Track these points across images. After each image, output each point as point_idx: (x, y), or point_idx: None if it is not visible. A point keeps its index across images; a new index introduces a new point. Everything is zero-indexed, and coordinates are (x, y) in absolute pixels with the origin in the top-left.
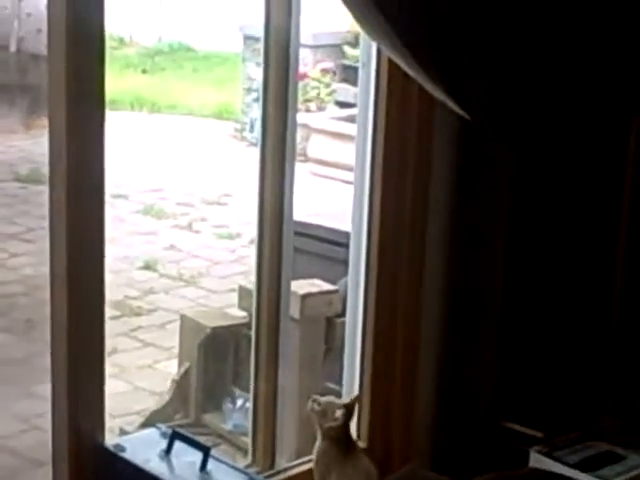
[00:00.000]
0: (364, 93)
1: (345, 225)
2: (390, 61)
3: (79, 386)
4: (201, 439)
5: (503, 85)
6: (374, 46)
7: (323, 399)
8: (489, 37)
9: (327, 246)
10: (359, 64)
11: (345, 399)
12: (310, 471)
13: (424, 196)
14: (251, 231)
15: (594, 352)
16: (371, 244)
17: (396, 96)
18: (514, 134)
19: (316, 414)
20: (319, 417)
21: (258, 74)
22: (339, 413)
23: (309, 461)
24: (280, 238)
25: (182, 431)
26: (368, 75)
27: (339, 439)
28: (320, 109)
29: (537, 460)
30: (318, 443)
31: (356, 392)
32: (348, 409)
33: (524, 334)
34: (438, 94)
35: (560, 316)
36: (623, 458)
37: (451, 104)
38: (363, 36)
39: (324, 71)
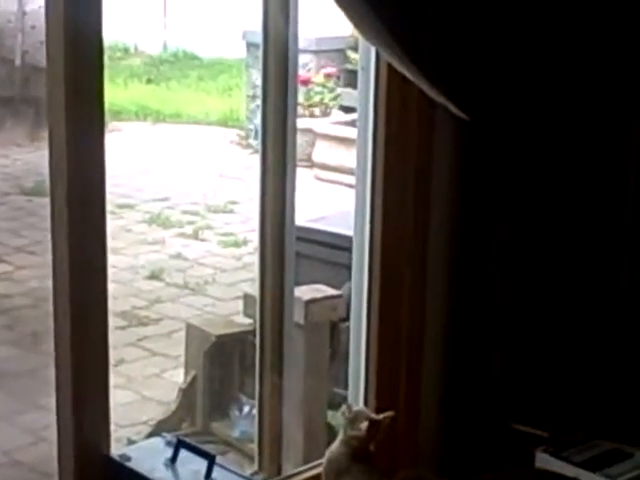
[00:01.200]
0: (364, 96)
1: (349, 229)
2: (389, 64)
3: (84, 397)
4: (208, 447)
5: (502, 86)
6: (373, 50)
7: (356, 408)
8: (487, 38)
9: (330, 251)
10: (358, 68)
11: (377, 415)
12: (317, 477)
13: (426, 198)
14: (257, 238)
15: (600, 351)
16: (373, 247)
17: (396, 99)
18: (513, 135)
19: (346, 420)
20: (346, 424)
21: None
22: (364, 425)
23: (316, 466)
24: (282, 244)
25: (187, 439)
26: (367, 78)
27: (357, 450)
28: (325, 114)
29: (543, 460)
30: (335, 446)
31: (390, 412)
32: (374, 424)
33: (529, 334)
34: (437, 96)
35: (567, 315)
36: (630, 456)
37: (450, 106)
38: (362, 40)
39: (328, 76)
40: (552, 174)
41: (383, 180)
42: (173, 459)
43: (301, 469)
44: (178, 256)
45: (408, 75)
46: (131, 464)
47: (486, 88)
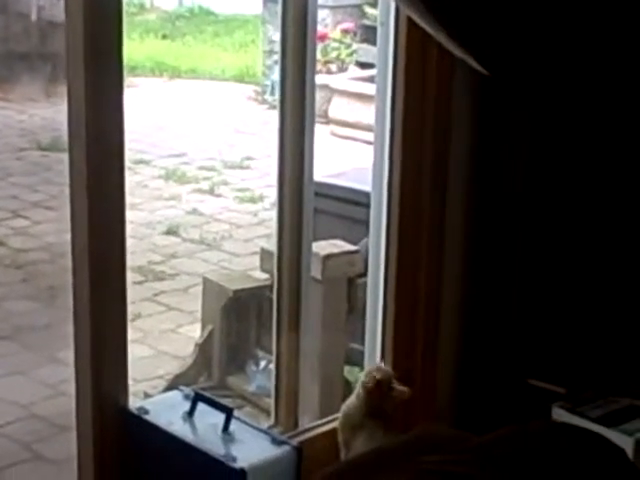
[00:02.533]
0: (383, 52)
1: (366, 185)
2: (409, 19)
3: (102, 350)
4: (224, 401)
5: (523, 41)
6: (393, 5)
7: (371, 367)
8: None
9: (348, 206)
10: (377, 23)
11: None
12: (334, 430)
13: (444, 154)
14: (273, 194)
15: (618, 308)
16: (392, 204)
17: (415, 54)
18: (533, 89)
19: (362, 381)
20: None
21: (278, 36)
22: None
23: (332, 420)
24: (301, 200)
25: (205, 393)
26: (387, 34)
27: (371, 406)
28: (341, 70)
29: (559, 415)
30: (350, 401)
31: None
32: (392, 386)
33: (547, 291)
34: (457, 51)
35: (584, 272)
36: None
37: (470, 60)
38: None
39: (344, 32)
40: (570, 132)
41: (402, 136)
42: (190, 412)
43: (317, 423)
44: (194, 212)
45: (428, 30)
46: (149, 417)
47: (507, 43)
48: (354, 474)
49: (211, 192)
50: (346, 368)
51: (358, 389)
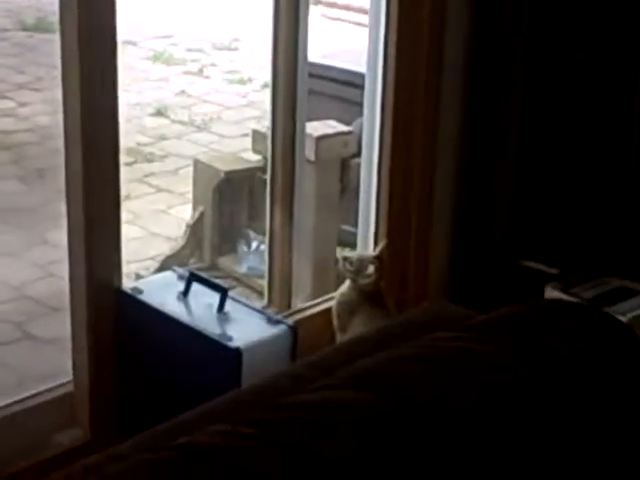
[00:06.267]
0: None
1: (360, 66)
2: None
3: (95, 232)
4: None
5: None
6: None
7: (355, 256)
8: None
9: (342, 87)
10: None
11: (374, 251)
12: (328, 311)
13: (440, 34)
14: (263, 76)
15: (611, 188)
16: (386, 84)
17: None
18: None
19: (349, 273)
20: (353, 274)
21: None
22: (371, 269)
23: (326, 301)
24: (295, 80)
25: (199, 273)
26: None
27: (371, 292)
28: None
29: (552, 296)
30: (345, 291)
31: (384, 241)
32: (380, 260)
33: (541, 170)
34: None
35: (578, 150)
36: (638, 293)
37: None
38: None
39: None
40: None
41: (397, 16)
42: (185, 292)
43: (310, 303)
44: (182, 93)
45: None
46: (143, 297)
47: None
48: (361, 349)
49: (200, 74)
50: (338, 249)
51: (351, 282)
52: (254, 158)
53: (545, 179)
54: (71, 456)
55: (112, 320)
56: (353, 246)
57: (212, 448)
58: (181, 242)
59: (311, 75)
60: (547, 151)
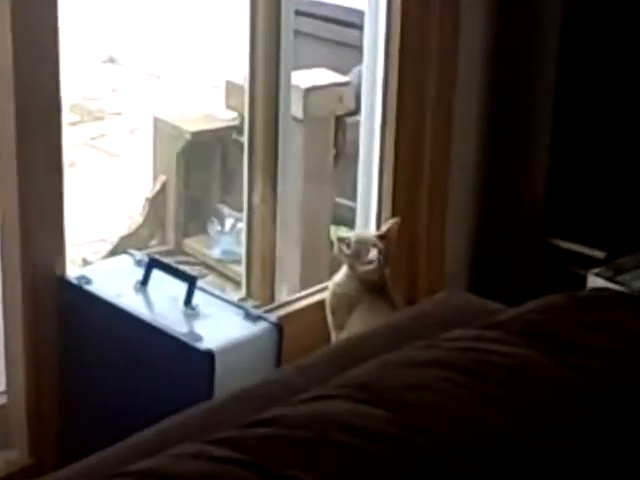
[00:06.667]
0: None
1: (358, 1)
2: None
3: (33, 208)
4: (183, 269)
5: None
6: None
7: (353, 237)
8: None
9: (336, 28)
10: None
11: (377, 231)
12: (319, 304)
13: None
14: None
15: None
16: (391, 23)
17: None
18: None
19: (347, 258)
20: (351, 260)
21: None
22: (374, 254)
23: (318, 292)
24: (278, 19)
25: (161, 258)
26: None
27: (373, 282)
28: None
29: (596, 285)
30: (341, 280)
31: (393, 219)
32: (384, 242)
33: (583, 139)
34: None
35: (623, 130)
36: None
37: None
38: None
39: None
40: None
41: None
42: (144, 282)
43: (298, 296)
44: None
45: None
46: (92, 288)
47: None
48: (361, 352)
49: None
50: (333, 229)
51: (348, 270)
52: (228, 116)
53: (589, 148)
54: None
55: (54, 317)
56: (351, 225)
57: (177, 475)
58: (139, 220)
59: (299, 13)
60: (589, 117)
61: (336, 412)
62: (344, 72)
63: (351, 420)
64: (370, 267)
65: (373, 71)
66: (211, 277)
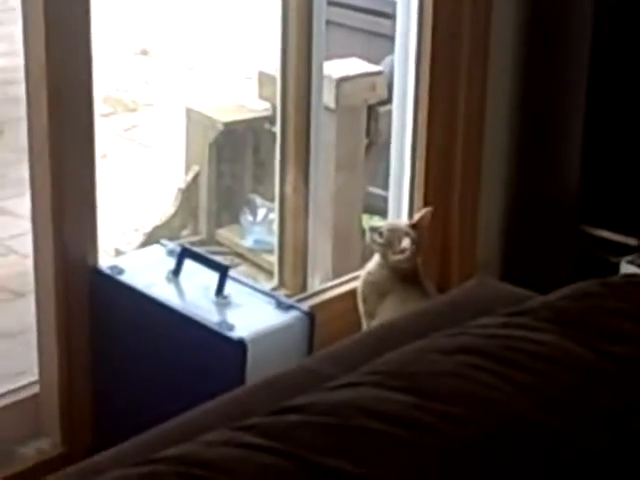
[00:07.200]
0: None
1: None
2: None
3: (66, 199)
4: (215, 258)
5: None
6: None
7: (385, 226)
8: None
9: (369, 18)
10: None
11: (409, 220)
12: (350, 293)
13: None
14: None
15: None
16: (423, 12)
17: None
18: None
19: (379, 247)
20: (383, 248)
21: None
22: (406, 242)
23: (350, 280)
24: (310, 9)
25: (193, 248)
26: None
27: (405, 270)
28: None
29: (629, 272)
30: (374, 269)
31: (425, 208)
32: (417, 231)
33: (617, 126)
34: None
35: None
36: None
37: None
38: None
39: None
40: None
41: None
42: (176, 272)
43: (330, 284)
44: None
45: None
46: (124, 278)
47: None
48: (392, 339)
49: None
50: (365, 218)
51: (381, 259)
52: (261, 106)
53: (622, 131)
54: (38, 471)
55: (86, 307)
56: (383, 214)
57: (208, 461)
58: (171, 210)
59: (331, 3)
60: (623, 98)
61: (366, 399)
62: (376, 62)
63: (381, 407)
64: (402, 256)
65: (405, 60)
66: (243, 267)
